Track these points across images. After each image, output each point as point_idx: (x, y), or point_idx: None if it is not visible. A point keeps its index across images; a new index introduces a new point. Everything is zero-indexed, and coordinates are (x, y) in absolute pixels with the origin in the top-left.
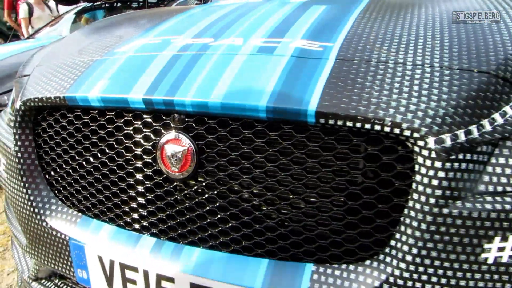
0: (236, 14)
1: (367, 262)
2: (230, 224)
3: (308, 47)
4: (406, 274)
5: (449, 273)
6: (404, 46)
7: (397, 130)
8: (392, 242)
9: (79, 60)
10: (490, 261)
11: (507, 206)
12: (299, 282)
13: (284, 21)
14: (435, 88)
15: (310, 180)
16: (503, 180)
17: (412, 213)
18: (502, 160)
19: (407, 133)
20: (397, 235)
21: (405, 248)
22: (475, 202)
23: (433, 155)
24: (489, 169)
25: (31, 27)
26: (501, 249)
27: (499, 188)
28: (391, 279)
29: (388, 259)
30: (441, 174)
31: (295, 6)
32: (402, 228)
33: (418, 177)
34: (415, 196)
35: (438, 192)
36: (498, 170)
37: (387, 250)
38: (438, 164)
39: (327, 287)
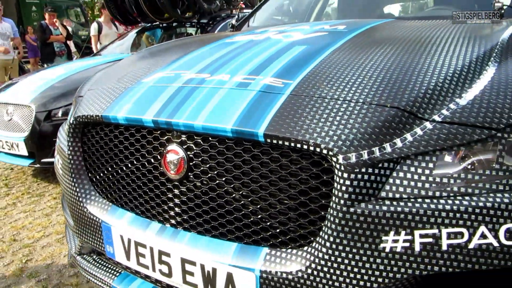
0: (236, 52)
1: (305, 248)
2: (211, 215)
3: (273, 84)
4: (326, 257)
5: (357, 257)
6: (344, 84)
7: (318, 149)
8: (321, 233)
9: (117, 87)
10: (387, 250)
11: (399, 209)
12: (256, 259)
13: (267, 59)
14: (352, 119)
15: (264, 184)
16: (400, 189)
17: (332, 212)
18: (401, 174)
19: (324, 151)
20: (324, 228)
21: (327, 237)
22: (376, 205)
23: (342, 168)
24: (390, 180)
25: (100, 43)
26: (395, 241)
27: (397, 195)
28: (317, 260)
29: (317, 245)
30: (348, 182)
31: (283, 46)
32: (327, 222)
33: (335, 184)
34: (334, 198)
35: (346, 196)
36: (397, 181)
37: (318, 239)
38: (346, 175)
39: (274, 264)
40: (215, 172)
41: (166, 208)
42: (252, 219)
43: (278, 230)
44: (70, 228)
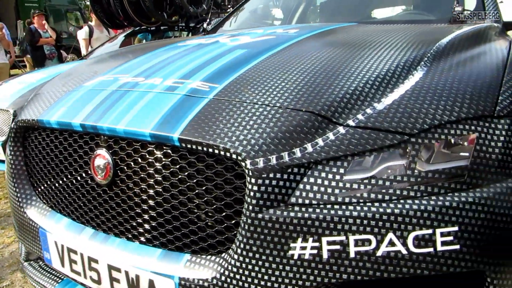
0: (179, 56)
1: (223, 254)
2: (138, 221)
3: (200, 87)
4: (238, 264)
5: (267, 264)
6: (267, 89)
7: (228, 154)
8: (236, 240)
9: (59, 91)
10: (295, 257)
11: (307, 215)
12: (177, 266)
13: (204, 63)
14: (264, 123)
15: (183, 189)
16: (310, 195)
17: (244, 218)
18: (311, 180)
19: (234, 156)
20: (238, 235)
21: (239, 244)
22: (285, 211)
23: (250, 173)
24: (300, 186)
25: (91, 47)
26: (303, 248)
27: (306, 201)
28: (229, 267)
29: (231, 252)
30: (255, 188)
31: (225, 49)
32: (240, 229)
33: (246, 190)
34: (245, 204)
35: (254, 202)
36: (307, 187)
37: (233, 246)
38: (253, 181)
39: (193, 272)
40: (139, 177)
41: (98, 213)
42: (174, 225)
43: (198, 237)
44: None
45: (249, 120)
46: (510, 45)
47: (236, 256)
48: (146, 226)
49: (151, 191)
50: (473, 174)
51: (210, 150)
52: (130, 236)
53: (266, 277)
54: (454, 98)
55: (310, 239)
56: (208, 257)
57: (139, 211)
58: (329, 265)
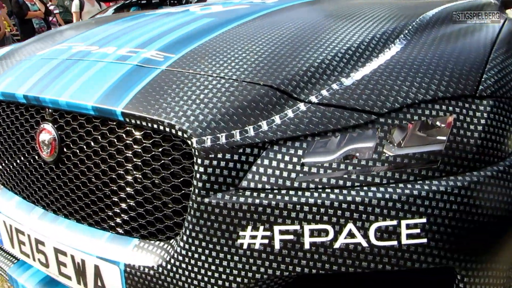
0: (141, 24)
1: (171, 241)
2: (86, 201)
3: (154, 57)
4: (183, 252)
5: (214, 254)
6: (225, 60)
7: (173, 131)
8: (183, 226)
9: (12, 60)
10: (245, 246)
11: (257, 201)
12: (126, 249)
13: (164, 32)
14: (216, 97)
15: (130, 168)
16: (263, 178)
17: (191, 202)
18: (265, 161)
19: (180, 133)
20: (185, 220)
21: (185, 230)
22: (234, 195)
23: (197, 153)
24: (254, 168)
25: (81, 20)
26: (253, 237)
27: (259, 185)
28: (175, 255)
29: (178, 238)
30: (202, 169)
31: (191, 18)
32: (187, 214)
33: (194, 172)
34: (193, 187)
35: (201, 184)
36: (261, 170)
37: (182, 231)
38: (200, 161)
39: (139, 258)
40: (85, 155)
41: (46, 192)
42: (122, 207)
43: (146, 221)
44: None
45: (199, 94)
46: (504, 23)
47: (182, 244)
48: (94, 207)
49: (97, 170)
50: (447, 160)
51: (155, 126)
52: (79, 217)
53: (213, 267)
54: (432, 75)
55: (261, 228)
56: (157, 243)
57: (86, 191)
58: (281, 256)
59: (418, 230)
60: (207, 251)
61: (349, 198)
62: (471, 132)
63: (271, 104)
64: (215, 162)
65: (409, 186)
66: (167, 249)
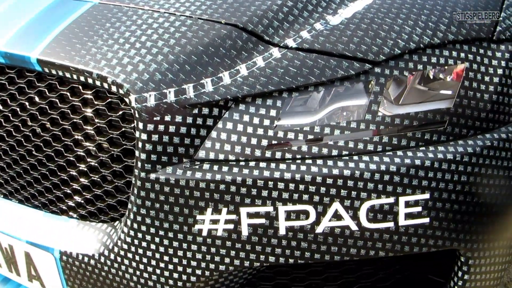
0: None
1: (116, 223)
2: (11, 173)
3: None
4: (128, 239)
5: (166, 241)
6: None
7: (105, 85)
8: (129, 206)
9: None
10: (204, 233)
11: (219, 176)
12: (62, 231)
13: None
14: (163, 40)
15: (57, 133)
16: (226, 147)
17: (133, 178)
18: (229, 125)
19: (114, 88)
20: (132, 198)
21: (128, 213)
22: (188, 169)
23: (138, 114)
24: (213, 134)
25: None
26: (214, 222)
27: (220, 156)
28: (119, 242)
29: (123, 222)
30: (145, 136)
31: None
32: (131, 192)
33: (136, 139)
34: (135, 159)
35: (144, 156)
36: (223, 136)
37: (126, 214)
38: (142, 125)
39: (77, 245)
40: (1, 115)
41: None
42: (54, 180)
43: (83, 198)
44: None
45: (141, 35)
46: None
47: (126, 229)
48: (21, 181)
49: (18, 135)
50: (456, 120)
51: (82, 78)
52: (5, 192)
53: (165, 258)
54: (440, 14)
55: (224, 210)
56: (99, 225)
57: (8, 160)
58: (250, 244)
59: (419, 208)
60: (157, 239)
61: (335, 171)
62: (485, 85)
63: (235, 49)
64: (161, 127)
65: (409, 154)
66: (110, 233)
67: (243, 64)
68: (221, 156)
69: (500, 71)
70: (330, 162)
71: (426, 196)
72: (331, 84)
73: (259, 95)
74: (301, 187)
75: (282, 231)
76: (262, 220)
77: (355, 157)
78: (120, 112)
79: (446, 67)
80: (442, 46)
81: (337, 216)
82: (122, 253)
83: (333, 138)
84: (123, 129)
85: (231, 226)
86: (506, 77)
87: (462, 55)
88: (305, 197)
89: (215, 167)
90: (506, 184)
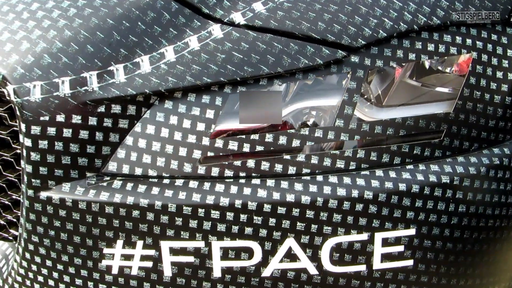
0: None
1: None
2: None
3: None
4: (21, 270)
5: (66, 278)
6: None
7: None
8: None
9: None
10: (114, 271)
11: (134, 198)
12: None
13: None
14: (58, 9)
15: None
16: (146, 159)
17: (21, 196)
18: (150, 129)
19: None
20: (21, 220)
21: (20, 239)
22: (92, 188)
23: (19, 112)
24: (129, 140)
25: None
26: (127, 257)
27: (138, 171)
28: (12, 273)
29: (16, 246)
30: (29, 142)
31: None
32: (20, 213)
33: (21, 145)
34: (22, 172)
35: (30, 168)
36: (142, 144)
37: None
38: (24, 127)
39: None
40: None
41: None
42: None
43: None
44: None
45: (30, 3)
46: None
47: (18, 259)
48: None
49: None
50: (456, 130)
51: None
52: None
53: None
54: None
55: (140, 243)
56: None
57: None
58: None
59: (400, 248)
60: (55, 274)
61: (289, 197)
62: (497, 83)
63: (159, 24)
64: (52, 130)
65: (392, 175)
66: (8, 256)
67: (170, 46)
68: (138, 171)
69: None
70: (284, 184)
71: (411, 232)
72: (290, 77)
73: (191, 89)
74: (243, 217)
75: (217, 273)
76: (191, 258)
77: (319, 178)
78: (6, 107)
79: (446, 58)
80: (443, 29)
81: (290, 256)
82: (16, 286)
83: (290, 151)
84: (13, 128)
85: (149, 264)
86: None
87: (469, 41)
88: (248, 230)
89: (129, 186)
90: None
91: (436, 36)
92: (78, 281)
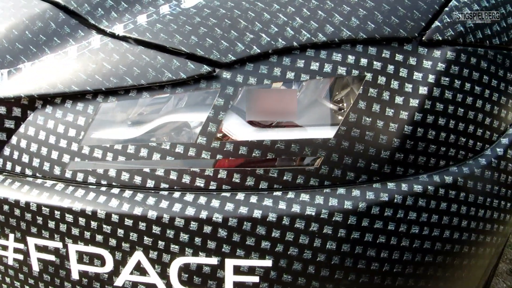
0: None
1: None
2: None
3: None
4: None
5: None
6: None
7: None
8: None
9: None
10: None
11: (4, 194)
12: None
13: None
14: None
15: None
16: (25, 158)
17: None
18: (31, 131)
19: None
20: None
21: None
22: None
23: None
24: (13, 140)
25: None
26: (4, 248)
27: (17, 168)
28: None
29: None
30: None
31: None
32: None
33: None
34: None
35: None
36: (23, 144)
37: None
38: None
39: None
40: None
41: None
42: None
43: None
44: None
45: None
46: None
47: None
48: None
49: None
50: (337, 159)
51: None
52: None
53: None
54: None
55: (11, 236)
56: None
57: None
58: (43, 283)
59: (255, 279)
60: None
61: (137, 210)
62: (395, 109)
63: (44, 33)
64: None
65: (252, 200)
66: None
67: (52, 54)
68: (18, 169)
69: (424, 90)
70: (138, 197)
71: (267, 263)
72: (159, 90)
73: (69, 96)
74: (93, 224)
75: (75, 275)
76: (52, 257)
77: (175, 194)
78: None
79: (333, 79)
80: (333, 46)
81: (140, 269)
82: None
83: (150, 165)
84: None
85: (20, 257)
86: (433, 99)
87: (363, 61)
88: (99, 237)
89: (7, 182)
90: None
91: (323, 54)
92: None
